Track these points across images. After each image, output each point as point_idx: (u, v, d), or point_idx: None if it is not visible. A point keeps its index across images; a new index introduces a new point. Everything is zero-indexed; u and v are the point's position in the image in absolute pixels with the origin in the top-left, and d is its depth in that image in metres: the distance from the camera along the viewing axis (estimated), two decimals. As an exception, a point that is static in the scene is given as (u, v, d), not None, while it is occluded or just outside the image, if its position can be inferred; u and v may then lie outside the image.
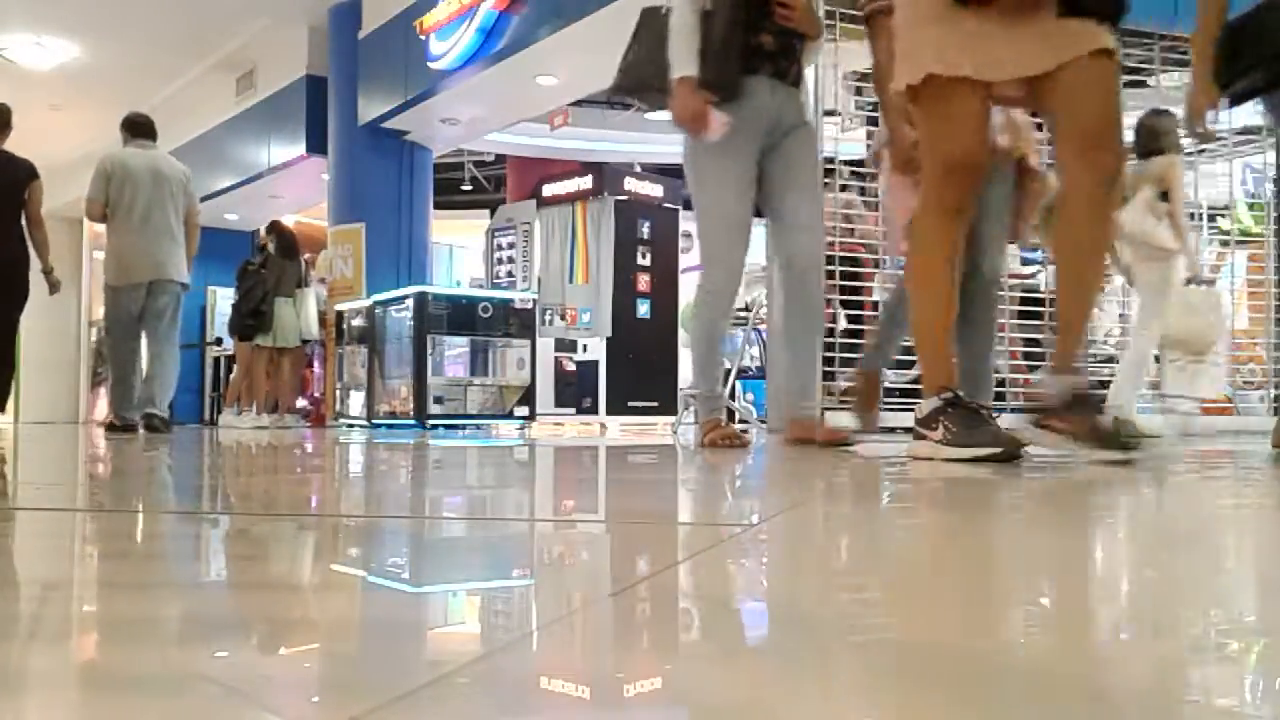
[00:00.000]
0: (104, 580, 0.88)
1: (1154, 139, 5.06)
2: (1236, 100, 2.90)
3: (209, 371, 13.32)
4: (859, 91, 5.81)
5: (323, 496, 1.76)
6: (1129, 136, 4.85)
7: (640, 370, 9.04)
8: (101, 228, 6.26)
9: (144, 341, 6.30)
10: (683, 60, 3.20)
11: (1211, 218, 6.17)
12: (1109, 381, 5.26)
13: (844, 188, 5.71)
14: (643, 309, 9.18)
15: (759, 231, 3.50)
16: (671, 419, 8.32)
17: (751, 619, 0.71)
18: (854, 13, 4.91)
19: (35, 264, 5.99)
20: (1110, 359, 6.31)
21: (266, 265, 9.28)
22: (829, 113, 5.49)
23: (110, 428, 6.17)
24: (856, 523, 1.35)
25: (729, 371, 6.01)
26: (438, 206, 10.77)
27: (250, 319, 9.15)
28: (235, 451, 3.61)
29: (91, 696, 0.50)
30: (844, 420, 3.96)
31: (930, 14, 2.36)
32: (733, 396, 6.62)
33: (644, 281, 9.20)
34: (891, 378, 5.64)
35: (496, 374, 8.36)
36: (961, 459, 2.28)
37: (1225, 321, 5.55)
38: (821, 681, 0.52)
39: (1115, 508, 1.55)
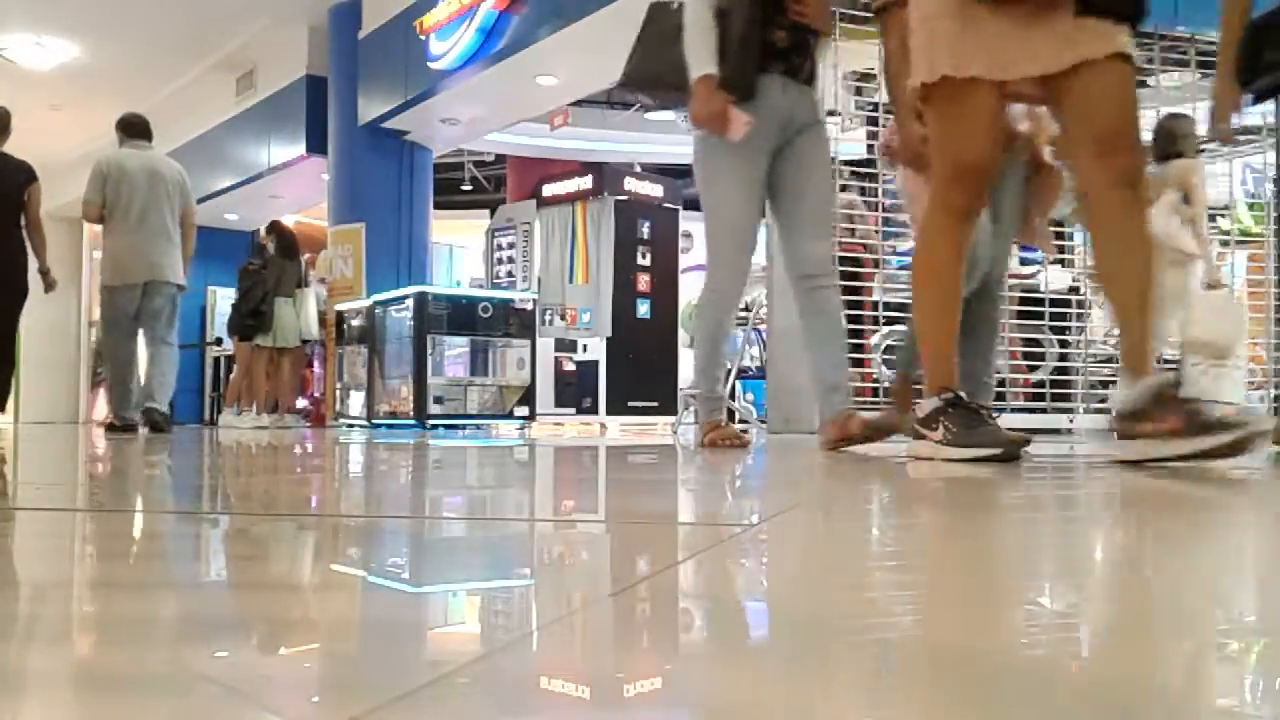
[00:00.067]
0: (104, 580, 0.87)
1: (1172, 142, 5.03)
2: (1260, 97, 2.88)
3: (209, 371, 13.32)
4: (859, 91, 5.82)
5: (322, 496, 1.76)
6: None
7: (640, 370, 9.04)
8: (100, 228, 6.26)
9: (141, 342, 6.31)
10: (702, 59, 3.12)
11: (1211, 218, 6.17)
12: (1110, 381, 5.26)
13: (844, 188, 5.72)
14: (643, 309, 9.18)
15: (761, 232, 3.48)
16: (671, 419, 8.32)
17: (751, 619, 0.71)
18: (854, 12, 4.92)
19: (34, 263, 6.00)
20: (1110, 359, 6.31)
21: (267, 265, 9.28)
22: (829, 113, 5.49)
23: (110, 428, 6.17)
24: (856, 522, 1.35)
25: (729, 371, 6.01)
26: (438, 206, 10.77)
27: (250, 319, 9.15)
28: (235, 451, 3.61)
29: (91, 696, 0.50)
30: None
31: (946, 9, 2.33)
32: (733, 396, 6.62)
33: (644, 281, 9.21)
34: (890, 376, 5.65)
35: (496, 374, 8.37)
36: (961, 459, 2.28)
37: (1246, 325, 5.55)
38: (822, 682, 0.52)
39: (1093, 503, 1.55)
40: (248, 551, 1.07)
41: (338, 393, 9.46)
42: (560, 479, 2.35)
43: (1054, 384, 5.93)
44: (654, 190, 9.51)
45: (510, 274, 9.92)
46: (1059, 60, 2.25)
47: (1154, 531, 1.27)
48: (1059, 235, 5.47)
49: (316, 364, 10.65)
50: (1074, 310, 6.02)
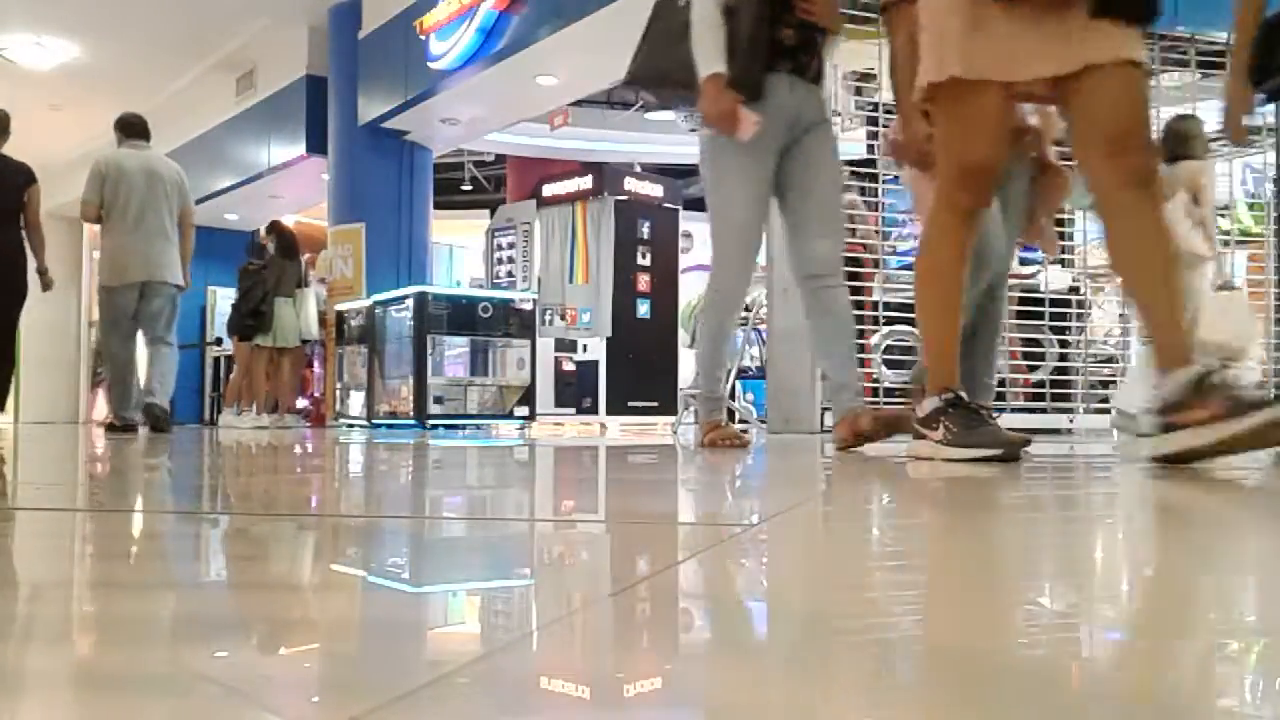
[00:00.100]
0: (104, 580, 0.87)
1: (1180, 143, 5.02)
2: (1272, 97, 2.86)
3: (209, 371, 13.32)
4: (859, 91, 5.81)
5: (322, 496, 1.76)
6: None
7: (640, 370, 9.04)
8: (98, 228, 6.27)
9: (141, 342, 6.31)
10: (710, 57, 3.09)
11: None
12: (1110, 381, 5.26)
13: (844, 188, 5.71)
14: (643, 309, 9.18)
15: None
16: (671, 419, 8.32)
17: (752, 619, 0.71)
18: (854, 12, 4.91)
19: (33, 263, 6.01)
20: (1110, 359, 6.31)
21: (267, 265, 9.28)
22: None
23: (110, 428, 6.17)
24: (856, 522, 1.35)
25: (729, 371, 6.02)
26: (438, 206, 10.77)
27: (250, 319, 9.15)
28: (235, 451, 3.61)
29: (91, 696, 0.50)
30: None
31: (956, 7, 2.30)
32: (733, 396, 6.62)
33: (644, 281, 9.21)
34: (890, 376, 5.66)
35: (496, 374, 8.37)
36: (962, 459, 2.28)
37: (1257, 326, 5.55)
38: (822, 682, 0.52)
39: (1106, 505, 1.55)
40: (248, 551, 1.07)
41: (338, 393, 9.47)
42: (560, 479, 2.35)
43: (1054, 384, 5.94)
44: (654, 190, 9.51)
45: (510, 274, 9.93)
46: (1070, 61, 2.23)
47: (1154, 531, 1.27)
48: (1060, 236, 5.47)
49: (316, 364, 10.65)
50: (1074, 310, 6.02)
